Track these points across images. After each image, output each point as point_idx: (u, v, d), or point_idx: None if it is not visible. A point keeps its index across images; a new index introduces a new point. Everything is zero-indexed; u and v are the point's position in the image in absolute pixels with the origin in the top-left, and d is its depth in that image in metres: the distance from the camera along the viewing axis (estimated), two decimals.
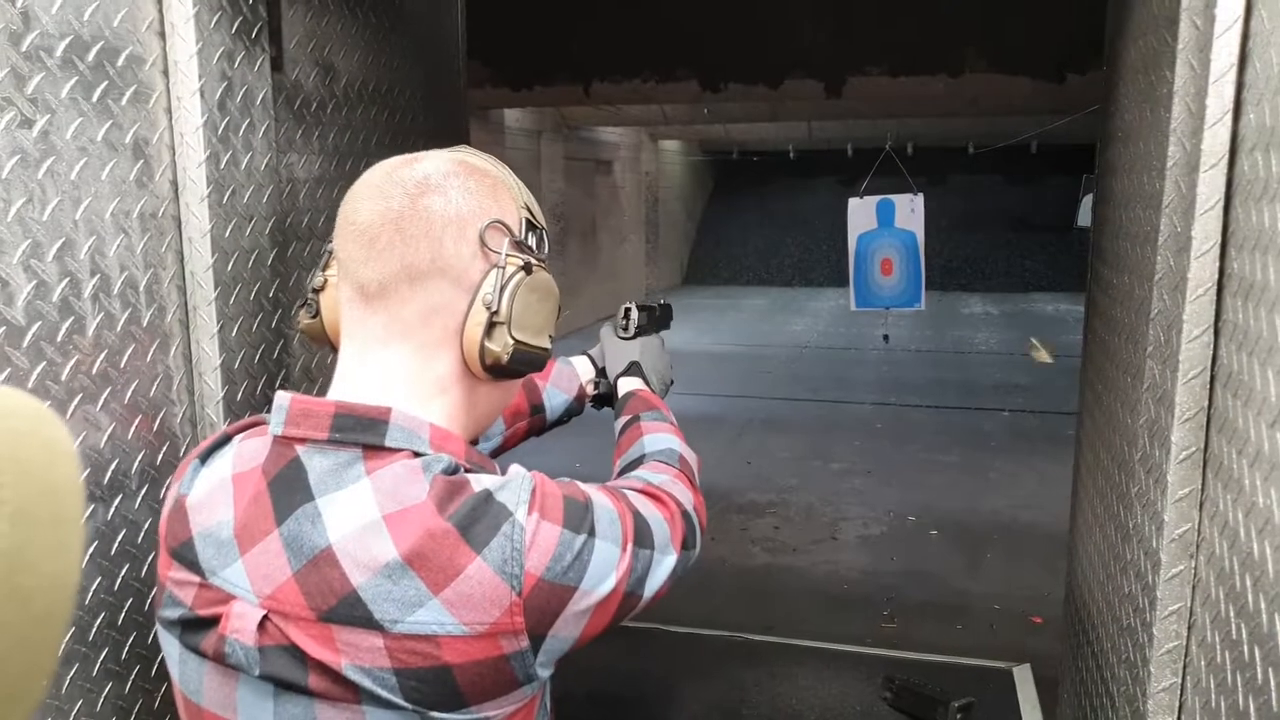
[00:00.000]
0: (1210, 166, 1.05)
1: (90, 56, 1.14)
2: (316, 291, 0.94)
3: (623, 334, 1.38)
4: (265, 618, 0.77)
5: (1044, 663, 3.18)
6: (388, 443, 0.79)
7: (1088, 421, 1.90)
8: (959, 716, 2.75)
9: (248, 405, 1.42)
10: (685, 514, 0.95)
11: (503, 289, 0.83)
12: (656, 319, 1.43)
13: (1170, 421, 1.13)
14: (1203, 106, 1.06)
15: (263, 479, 0.81)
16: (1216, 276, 1.06)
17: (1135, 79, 1.47)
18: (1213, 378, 1.09)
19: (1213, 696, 1.04)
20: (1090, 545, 1.77)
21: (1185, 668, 1.15)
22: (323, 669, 0.76)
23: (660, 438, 1.12)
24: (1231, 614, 0.99)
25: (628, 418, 1.20)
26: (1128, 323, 1.46)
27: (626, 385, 1.31)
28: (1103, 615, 1.59)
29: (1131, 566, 1.32)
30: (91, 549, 1.18)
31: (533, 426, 1.33)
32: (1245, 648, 0.95)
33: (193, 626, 0.82)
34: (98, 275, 1.17)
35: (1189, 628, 1.14)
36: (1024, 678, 3.15)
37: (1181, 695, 1.16)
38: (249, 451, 0.84)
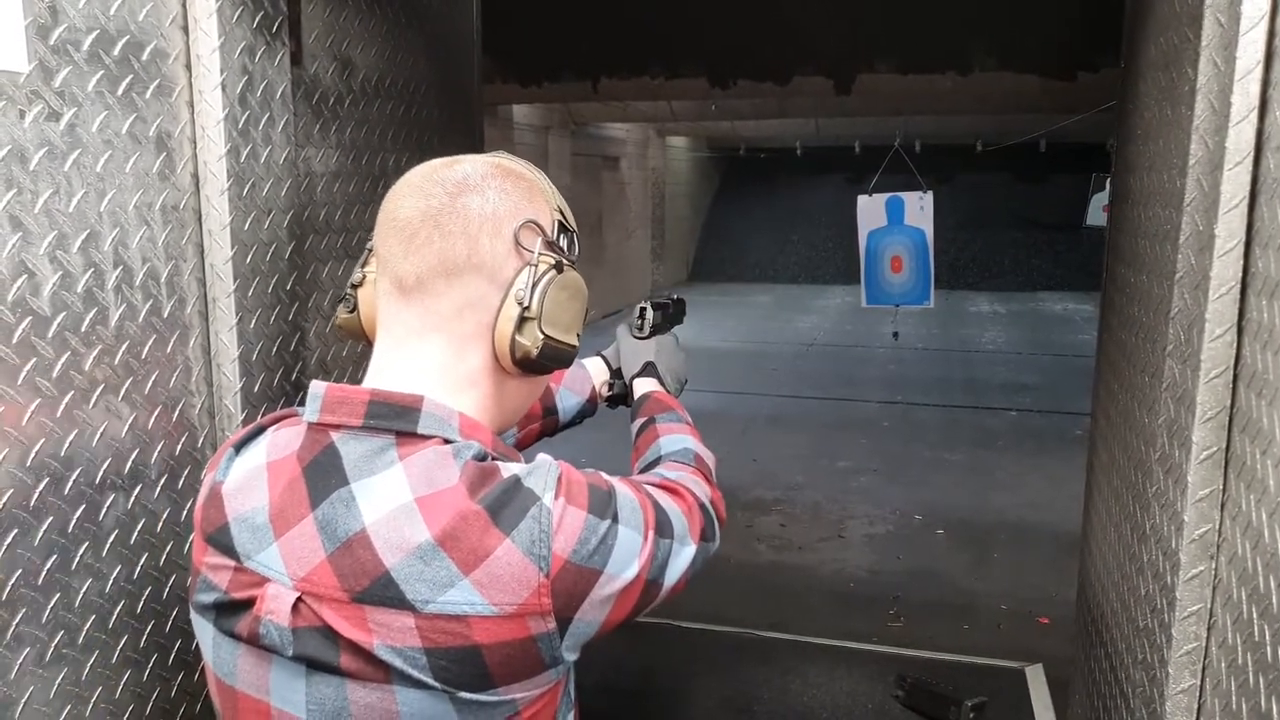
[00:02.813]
0: (1235, 164, 1.05)
1: (116, 50, 1.15)
2: (355, 287, 0.97)
3: (638, 334, 1.39)
4: (299, 599, 0.79)
5: (1052, 663, 3.18)
6: (420, 429, 0.82)
7: (1102, 420, 1.90)
8: (972, 716, 2.75)
9: (265, 397, 1.42)
10: (702, 506, 0.98)
11: (534, 286, 0.85)
12: (670, 316, 1.45)
13: (1191, 421, 1.13)
14: (1227, 104, 1.06)
15: (297, 465, 0.83)
16: (1240, 275, 1.06)
17: (1155, 76, 1.47)
18: (1235, 377, 1.08)
19: (1234, 698, 1.04)
20: (1104, 545, 1.77)
21: (1204, 669, 1.15)
22: (355, 649, 0.77)
23: (676, 438, 1.14)
24: (1255, 615, 0.99)
25: (644, 420, 1.22)
26: (1145, 321, 1.46)
27: (642, 387, 1.33)
28: (1117, 616, 1.58)
29: (1149, 567, 1.32)
30: (111, 538, 1.19)
31: (545, 428, 1.35)
32: (1269, 649, 0.94)
33: (227, 610, 0.84)
34: (121, 267, 1.18)
35: (1209, 629, 1.14)
36: (1037, 678, 3.14)
37: (1200, 697, 1.16)
38: (283, 440, 0.86)
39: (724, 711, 3.00)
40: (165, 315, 1.27)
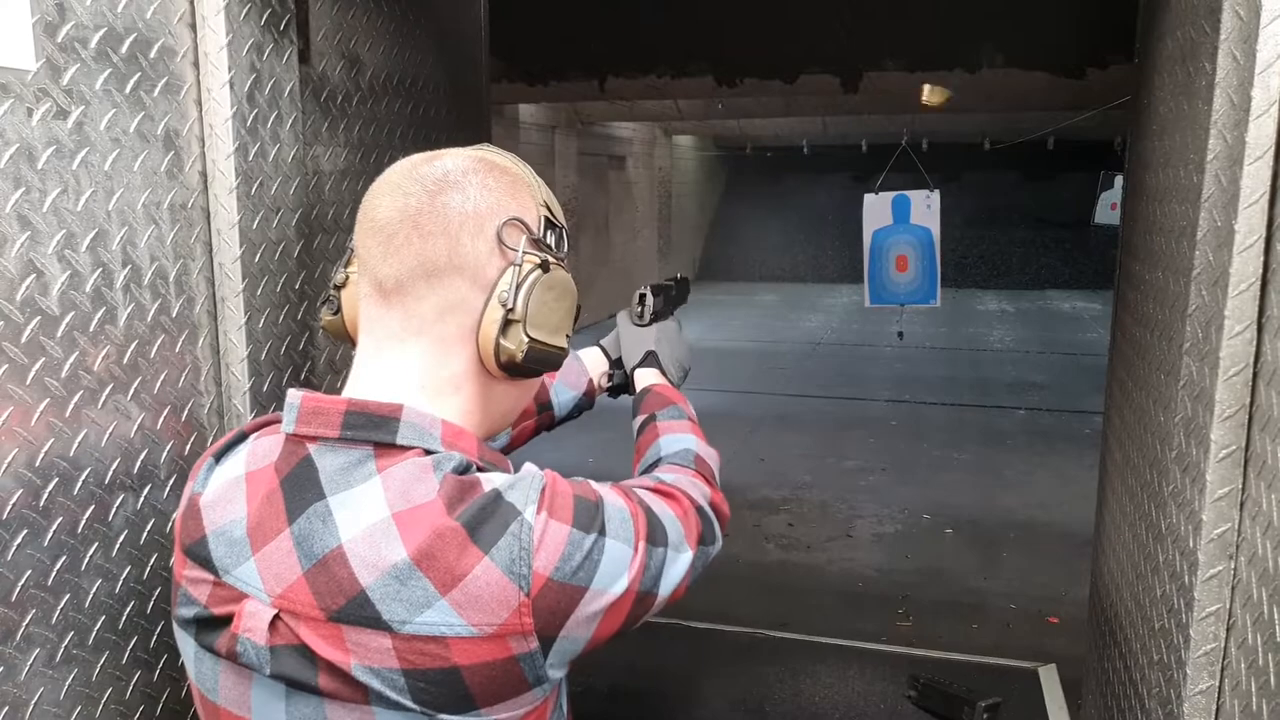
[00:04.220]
0: (1255, 159, 1.03)
1: (124, 48, 1.14)
2: (338, 288, 0.94)
3: (638, 321, 1.34)
4: (277, 617, 0.77)
5: (1062, 662, 3.17)
6: (399, 440, 0.79)
7: (1116, 419, 1.89)
8: (985, 717, 2.73)
9: (274, 397, 1.42)
10: (700, 509, 0.94)
11: (519, 287, 0.82)
12: (673, 298, 1.39)
13: (1209, 419, 1.11)
14: (1247, 98, 1.04)
15: (275, 477, 0.80)
16: (1260, 271, 1.05)
17: (1172, 71, 1.45)
18: (1255, 374, 1.07)
19: (1254, 699, 1.03)
20: (1118, 545, 1.75)
21: (1224, 670, 1.13)
22: (332, 669, 0.75)
23: (676, 438, 1.11)
24: (1276, 615, 0.98)
25: (645, 417, 1.18)
26: (1161, 318, 1.44)
27: (643, 378, 1.29)
28: (1132, 616, 1.57)
29: (1165, 567, 1.31)
30: (121, 538, 1.18)
31: (541, 424, 1.31)
32: None
33: (207, 625, 0.82)
34: (129, 266, 1.17)
35: (1228, 630, 1.13)
36: (1050, 678, 3.12)
37: (1219, 698, 1.14)
38: (263, 450, 0.84)
39: (735, 712, 2.99)
40: (174, 314, 1.26)
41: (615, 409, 1.44)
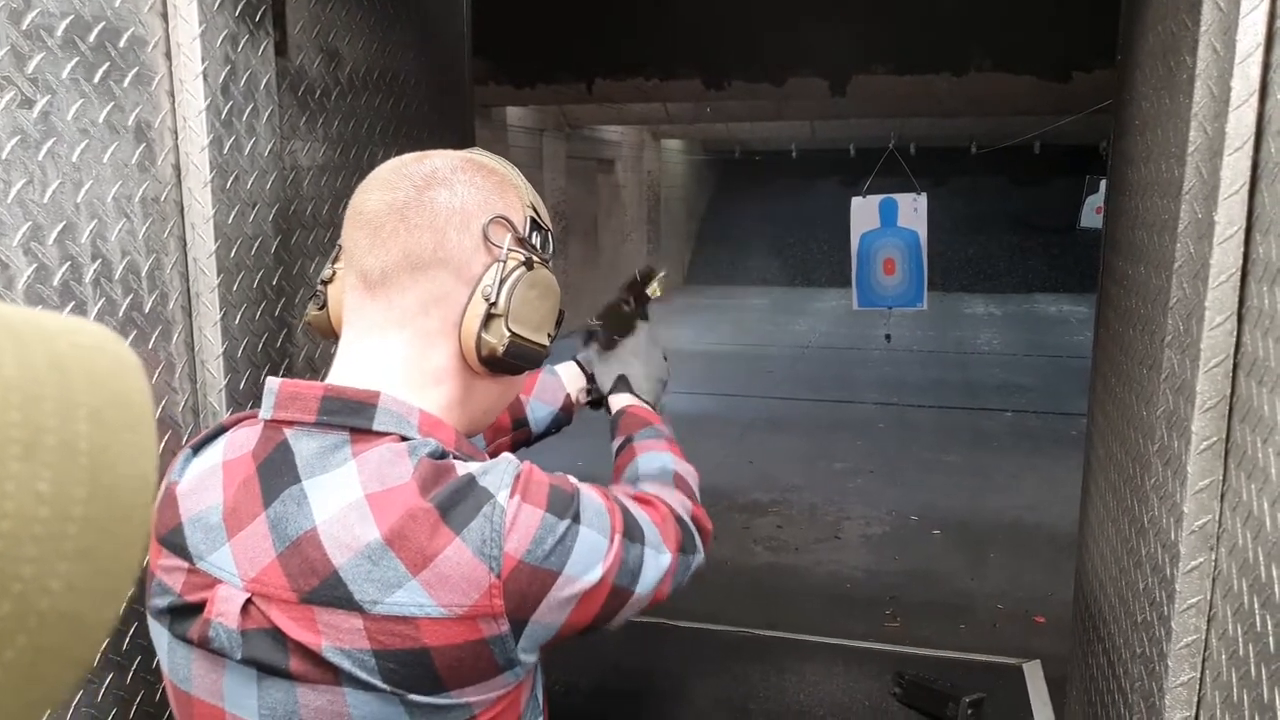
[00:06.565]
0: (1235, 150, 1.03)
1: (92, 37, 1.13)
2: (325, 284, 0.95)
3: (602, 350, 1.32)
4: (249, 601, 0.77)
5: (1048, 662, 3.17)
6: (375, 426, 0.80)
7: (1099, 415, 1.88)
8: (970, 712, 2.73)
9: (250, 394, 1.40)
10: (678, 518, 0.95)
11: (502, 282, 0.84)
12: (634, 312, 1.34)
13: (1190, 411, 1.11)
14: (1227, 89, 1.04)
15: (252, 463, 0.81)
16: (1240, 262, 1.04)
17: (1153, 66, 1.45)
18: (1235, 365, 1.07)
19: (1235, 690, 1.02)
20: (1102, 540, 1.75)
21: (1204, 662, 1.13)
22: (303, 651, 0.75)
23: (653, 456, 1.11)
24: (1256, 606, 0.97)
25: (622, 439, 1.18)
26: (1143, 313, 1.44)
27: (617, 403, 1.28)
28: (1115, 611, 1.57)
29: (1148, 560, 1.30)
30: None
31: (516, 441, 1.31)
32: (1271, 640, 0.93)
33: (181, 613, 0.82)
34: (99, 260, 1.16)
35: (1209, 621, 1.12)
36: (1035, 674, 3.13)
37: (1200, 689, 1.14)
38: (241, 439, 0.84)
39: (720, 711, 2.98)
40: (146, 310, 1.24)
41: (606, 415, 1.42)
